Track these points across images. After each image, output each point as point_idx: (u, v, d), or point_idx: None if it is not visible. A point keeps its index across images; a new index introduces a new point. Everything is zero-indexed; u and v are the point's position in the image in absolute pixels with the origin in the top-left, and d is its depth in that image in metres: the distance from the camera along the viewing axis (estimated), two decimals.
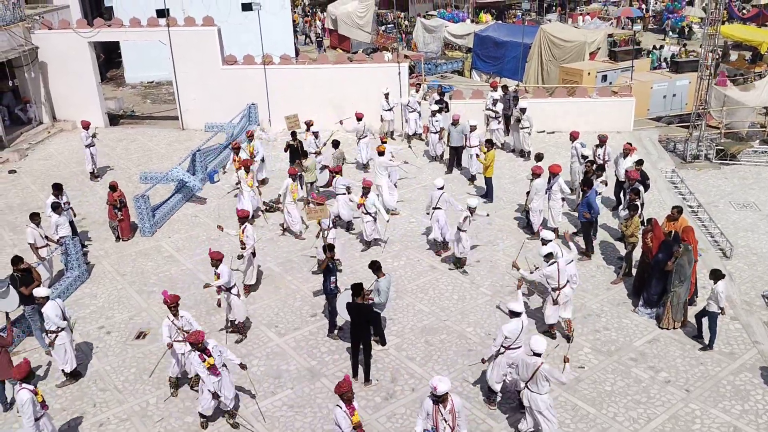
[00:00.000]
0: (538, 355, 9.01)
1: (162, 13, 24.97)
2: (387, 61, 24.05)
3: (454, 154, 19.39)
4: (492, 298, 13.29)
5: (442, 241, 14.85)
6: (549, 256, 11.40)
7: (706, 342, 11.56)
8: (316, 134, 18.80)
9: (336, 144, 18.25)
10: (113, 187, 15.93)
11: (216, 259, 11.76)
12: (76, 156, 21.05)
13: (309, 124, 19.10)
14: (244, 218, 13.34)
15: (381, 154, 16.79)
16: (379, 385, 10.92)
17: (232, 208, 16.82)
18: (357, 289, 10.70)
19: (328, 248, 12.09)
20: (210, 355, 9.52)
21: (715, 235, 15.18)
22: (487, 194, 17.61)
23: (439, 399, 8.18)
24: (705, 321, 11.54)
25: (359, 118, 19.58)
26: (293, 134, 18.58)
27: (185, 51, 22.92)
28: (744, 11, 39.33)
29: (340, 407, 8.42)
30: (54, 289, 13.21)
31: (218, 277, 11.69)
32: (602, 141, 16.90)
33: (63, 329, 10.93)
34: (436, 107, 20.55)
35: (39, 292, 11.10)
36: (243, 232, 13.15)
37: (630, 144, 16.72)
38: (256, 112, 23.13)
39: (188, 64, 23.05)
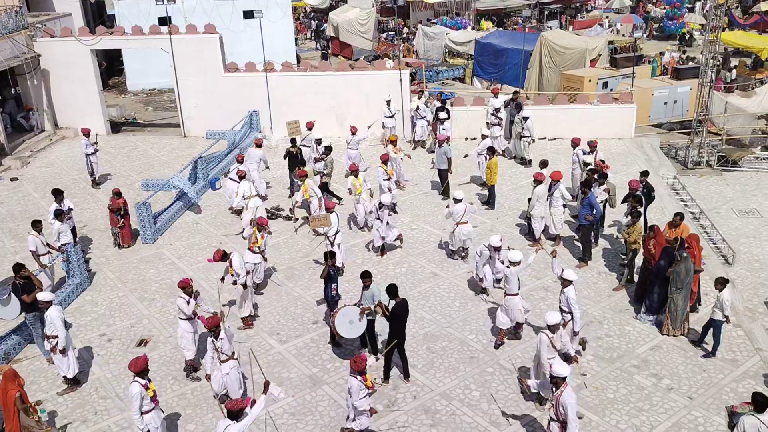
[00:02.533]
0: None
1: (164, 20, 25.15)
2: (388, 68, 24.11)
3: (442, 176, 18.49)
4: (494, 305, 13.25)
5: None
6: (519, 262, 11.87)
7: (709, 349, 11.52)
8: (318, 141, 18.81)
9: (328, 150, 18.27)
10: (117, 194, 15.97)
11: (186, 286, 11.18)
12: (78, 163, 21.09)
13: (309, 127, 19.20)
14: (224, 256, 12.33)
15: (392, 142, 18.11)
16: (380, 393, 10.89)
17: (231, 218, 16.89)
18: (393, 289, 10.74)
19: (329, 255, 12.08)
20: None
21: (717, 242, 15.16)
22: (490, 201, 17.61)
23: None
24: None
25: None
26: (293, 141, 18.60)
27: (187, 58, 22.99)
28: (746, 16, 39.42)
29: (356, 378, 9.22)
30: (55, 297, 13.18)
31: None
32: (592, 147, 16.89)
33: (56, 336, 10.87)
34: (444, 115, 20.61)
35: (43, 296, 11.12)
36: (230, 265, 12.24)
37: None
38: (257, 119, 23.17)
39: (190, 72, 23.11)
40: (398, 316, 10.72)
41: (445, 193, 18.25)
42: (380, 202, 14.86)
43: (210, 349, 10.22)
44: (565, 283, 11.00)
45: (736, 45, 30.37)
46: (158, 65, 26.43)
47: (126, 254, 15.94)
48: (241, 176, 16.40)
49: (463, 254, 15.04)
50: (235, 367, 10.35)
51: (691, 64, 29.02)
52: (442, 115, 20.79)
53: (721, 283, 11.20)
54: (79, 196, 19.13)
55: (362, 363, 9.23)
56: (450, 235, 15.00)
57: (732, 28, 35.30)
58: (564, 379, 8.67)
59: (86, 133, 19.39)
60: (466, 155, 19.46)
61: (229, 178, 17.24)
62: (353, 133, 19.31)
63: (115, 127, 25.53)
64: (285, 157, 18.63)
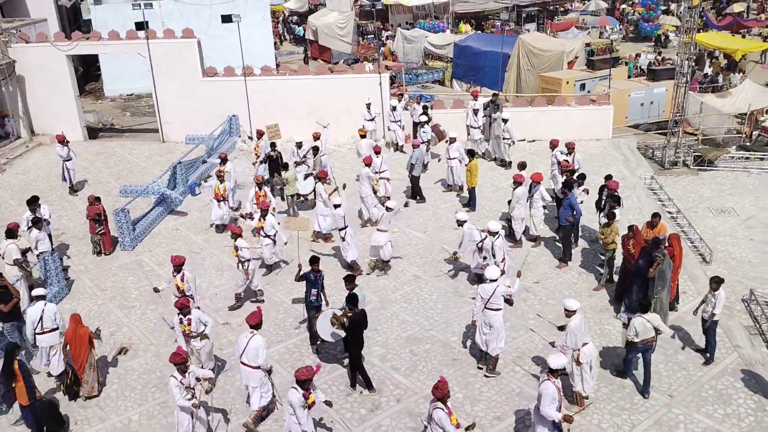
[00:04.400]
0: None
1: (141, 25, 24.92)
2: (368, 71, 24.12)
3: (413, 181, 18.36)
4: None
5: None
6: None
7: (708, 355, 11.48)
8: (299, 144, 18.78)
9: (316, 150, 18.28)
10: (94, 201, 15.79)
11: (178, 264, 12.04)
12: (55, 170, 20.82)
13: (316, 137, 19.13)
14: (179, 265, 12.07)
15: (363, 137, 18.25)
16: (364, 397, 10.88)
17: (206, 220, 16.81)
18: (353, 299, 10.74)
19: (312, 260, 12.04)
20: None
21: (695, 241, 15.37)
22: (471, 203, 17.69)
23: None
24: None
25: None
26: (272, 145, 18.54)
27: (165, 63, 22.82)
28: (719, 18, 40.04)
29: (297, 390, 8.96)
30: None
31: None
32: (570, 148, 17.05)
33: (56, 329, 11.24)
34: (425, 118, 20.67)
35: (38, 291, 11.56)
36: (182, 280, 12.06)
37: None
38: (237, 124, 23.07)
39: (168, 77, 22.94)
40: (356, 327, 10.68)
41: (413, 197, 18.23)
42: (387, 207, 14.56)
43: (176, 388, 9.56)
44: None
45: (711, 46, 30.84)
46: (136, 70, 26.20)
47: (105, 262, 15.77)
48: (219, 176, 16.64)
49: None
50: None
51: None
52: (423, 118, 20.85)
53: (716, 282, 11.24)
54: (57, 203, 18.90)
55: (307, 374, 8.91)
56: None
57: (706, 30, 35.88)
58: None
59: (61, 140, 19.17)
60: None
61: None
62: (316, 138, 19.10)
63: (93, 132, 25.25)
64: (264, 162, 18.56)
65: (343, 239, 14.51)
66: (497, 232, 13.08)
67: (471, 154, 17.72)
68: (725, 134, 22.41)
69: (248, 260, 13.28)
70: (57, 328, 11.27)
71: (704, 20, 37.12)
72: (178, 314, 10.87)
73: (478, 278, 13.64)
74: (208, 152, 20.91)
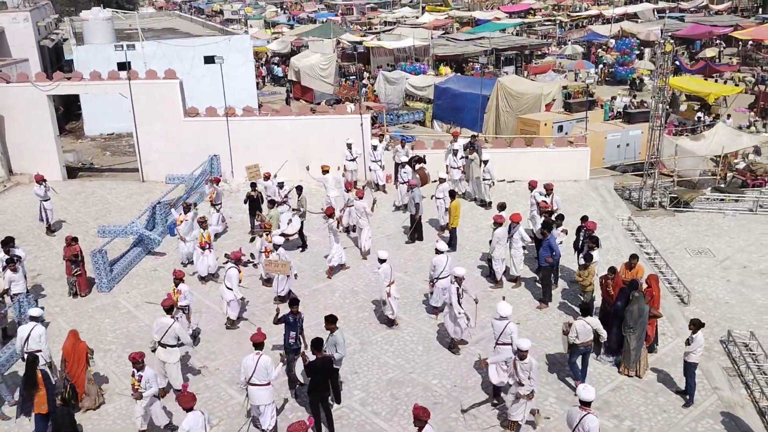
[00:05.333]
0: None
1: (123, 66, 25.04)
2: (350, 112, 24.37)
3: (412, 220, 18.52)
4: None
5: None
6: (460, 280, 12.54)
7: (687, 397, 11.50)
8: (280, 184, 18.81)
9: (299, 189, 18.32)
10: (71, 241, 15.63)
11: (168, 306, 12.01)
12: (33, 210, 20.58)
13: (267, 177, 19.19)
14: (170, 308, 12.07)
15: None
16: None
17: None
18: (317, 344, 10.57)
19: (292, 302, 11.96)
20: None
21: (673, 282, 15.51)
22: (452, 244, 17.74)
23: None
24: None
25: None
26: (253, 185, 18.54)
27: (146, 103, 22.88)
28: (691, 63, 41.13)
29: None
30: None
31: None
32: (549, 190, 17.27)
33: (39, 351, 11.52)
34: (404, 158, 20.81)
35: (33, 311, 12.05)
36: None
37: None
38: (218, 164, 23.09)
39: (149, 117, 22.98)
40: (316, 372, 10.53)
41: (411, 237, 18.36)
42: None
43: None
44: (522, 354, 10.54)
45: (684, 90, 31.63)
46: (117, 110, 26.17)
47: (81, 303, 15.52)
48: (201, 223, 16.41)
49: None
50: None
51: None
52: (404, 158, 21.02)
53: (695, 324, 11.33)
54: (33, 244, 18.66)
55: (300, 429, 8.67)
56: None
57: (680, 74, 36.83)
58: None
59: (39, 179, 19.03)
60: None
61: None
62: (266, 178, 19.42)
63: (72, 172, 25.09)
64: (245, 202, 18.54)
65: (388, 294, 13.88)
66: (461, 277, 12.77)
67: (452, 194, 17.88)
68: (700, 176, 22.81)
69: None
70: (40, 351, 11.51)
71: (677, 65, 38.13)
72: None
73: (433, 308, 14.43)
74: (188, 192, 20.83)
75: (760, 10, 71.29)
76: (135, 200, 22.08)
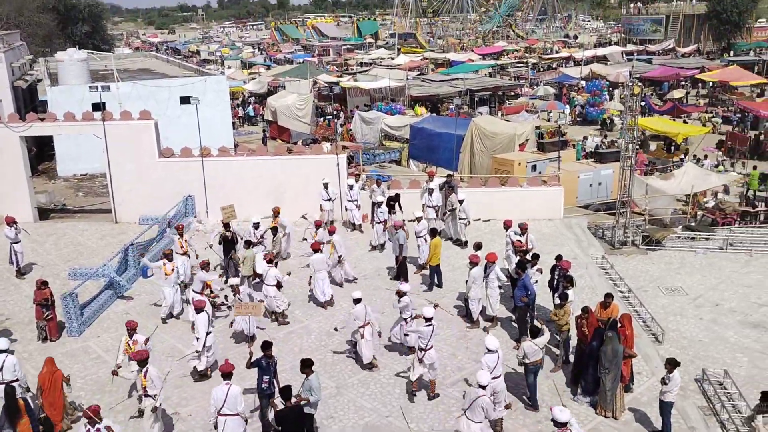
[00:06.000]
0: (483, 387, 10.46)
1: (98, 106, 24.93)
2: (326, 151, 24.49)
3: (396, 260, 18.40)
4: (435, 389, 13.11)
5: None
6: (429, 319, 12.49)
7: None
8: (256, 225, 18.71)
9: (274, 231, 18.25)
10: (42, 285, 15.33)
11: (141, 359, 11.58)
12: (2, 252, 20.19)
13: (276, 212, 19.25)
14: (143, 361, 11.53)
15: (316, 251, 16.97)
16: None
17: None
18: (286, 392, 10.40)
19: (265, 345, 11.78)
20: None
21: (647, 320, 15.61)
22: (439, 282, 17.67)
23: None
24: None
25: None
26: (226, 226, 18.42)
27: (121, 144, 22.75)
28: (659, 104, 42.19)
29: None
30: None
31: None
32: (523, 229, 17.42)
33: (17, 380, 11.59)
34: (380, 198, 20.86)
35: (1, 344, 11.87)
36: (145, 376, 11.45)
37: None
38: (193, 204, 22.95)
39: (123, 157, 22.83)
40: (286, 422, 10.33)
41: (397, 278, 18.29)
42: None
43: None
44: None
45: (653, 130, 32.38)
46: (91, 150, 25.99)
47: (50, 348, 15.12)
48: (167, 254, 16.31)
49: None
50: None
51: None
52: (380, 198, 21.07)
53: (671, 363, 11.40)
54: (2, 287, 18.27)
55: None
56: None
57: (649, 114, 37.76)
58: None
59: (10, 221, 18.72)
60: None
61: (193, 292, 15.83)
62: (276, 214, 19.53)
63: (44, 213, 24.71)
64: (219, 243, 18.39)
65: (362, 336, 13.71)
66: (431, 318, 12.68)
67: (433, 232, 17.91)
68: (672, 215, 23.21)
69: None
70: (17, 380, 11.57)
71: (646, 106, 39.12)
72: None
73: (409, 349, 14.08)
74: (161, 233, 20.60)
75: (725, 53, 73.79)
76: (107, 242, 21.78)
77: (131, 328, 12.87)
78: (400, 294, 13.91)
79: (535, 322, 12.98)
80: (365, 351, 13.73)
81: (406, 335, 13.99)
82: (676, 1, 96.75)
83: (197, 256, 17.85)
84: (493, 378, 11.23)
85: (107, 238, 22.23)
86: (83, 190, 29.05)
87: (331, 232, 17.99)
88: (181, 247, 17.79)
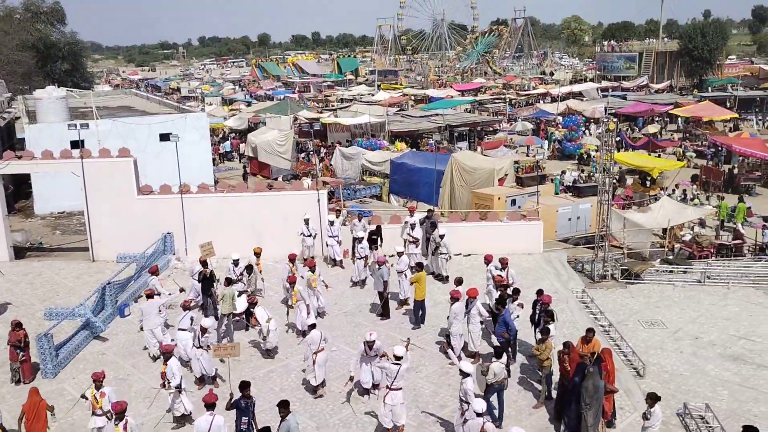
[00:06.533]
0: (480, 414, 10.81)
1: (76, 144, 24.80)
2: (306, 187, 24.51)
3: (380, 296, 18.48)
4: (417, 429, 12.96)
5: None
6: (399, 358, 12.50)
7: None
8: (236, 262, 18.57)
9: (249, 269, 18.10)
10: (16, 326, 15.03)
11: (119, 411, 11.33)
12: None
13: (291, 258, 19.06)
14: (120, 413, 11.38)
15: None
16: None
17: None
18: None
19: (243, 385, 11.60)
20: None
21: (628, 354, 15.63)
22: (423, 318, 17.57)
23: None
24: None
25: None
26: (204, 263, 18.25)
27: (99, 182, 22.59)
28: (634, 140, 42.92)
29: None
30: None
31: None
32: (504, 263, 17.47)
33: None
34: (361, 234, 20.85)
35: None
36: (124, 428, 11.33)
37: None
38: (171, 242, 22.76)
39: (102, 195, 22.65)
40: None
41: (383, 314, 18.19)
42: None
43: None
44: (463, 374, 11.74)
45: (629, 165, 32.86)
46: (68, 188, 25.74)
47: (23, 391, 14.65)
48: (149, 295, 16.12)
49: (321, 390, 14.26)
50: None
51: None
52: (361, 234, 21.08)
53: (652, 398, 11.38)
54: None
55: None
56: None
57: (625, 149, 38.35)
58: None
59: None
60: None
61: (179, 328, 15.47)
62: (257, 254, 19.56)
63: (20, 252, 24.35)
64: (198, 280, 18.19)
65: (314, 362, 13.97)
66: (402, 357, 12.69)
67: (419, 266, 17.87)
68: (651, 248, 23.43)
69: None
70: None
71: (622, 141, 39.78)
72: None
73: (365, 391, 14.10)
74: (138, 271, 20.35)
75: (696, 89, 75.66)
76: (84, 281, 21.46)
77: (97, 380, 12.29)
78: (370, 345, 13.67)
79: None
80: (317, 373, 13.94)
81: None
82: (649, 39, 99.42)
83: (182, 290, 17.78)
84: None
85: (84, 276, 21.92)
86: (60, 228, 28.70)
87: (310, 267, 17.96)
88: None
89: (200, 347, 14.44)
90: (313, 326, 14.04)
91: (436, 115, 50.97)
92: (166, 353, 13.16)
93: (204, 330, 14.36)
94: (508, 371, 14.62)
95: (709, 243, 23.52)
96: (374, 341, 13.54)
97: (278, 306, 18.53)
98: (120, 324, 18.16)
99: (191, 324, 14.97)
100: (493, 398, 12.84)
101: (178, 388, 12.85)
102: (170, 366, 12.92)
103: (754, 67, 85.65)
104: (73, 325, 17.31)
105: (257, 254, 19.52)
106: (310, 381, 14.14)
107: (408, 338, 13.74)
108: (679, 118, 52.96)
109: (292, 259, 18.92)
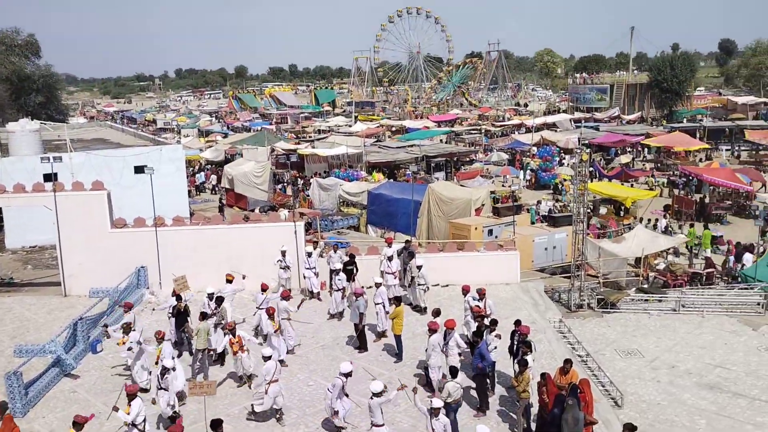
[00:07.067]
0: None
1: (49, 177, 24.53)
2: (283, 219, 24.40)
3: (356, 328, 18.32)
4: None
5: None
6: (376, 394, 12.41)
7: None
8: (210, 296, 18.30)
9: (219, 301, 17.84)
10: None
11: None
12: None
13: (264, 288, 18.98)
14: (132, 395, 12.16)
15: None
16: None
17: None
18: None
19: (214, 424, 11.36)
20: None
21: (606, 384, 15.65)
22: (398, 353, 17.41)
23: None
24: None
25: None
26: (178, 297, 17.98)
27: (72, 215, 22.28)
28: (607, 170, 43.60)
29: None
30: None
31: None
32: (482, 294, 17.49)
33: None
34: (338, 266, 20.76)
35: None
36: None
37: None
38: (145, 276, 22.44)
39: (75, 229, 22.33)
40: None
41: (360, 347, 18.01)
42: None
43: None
44: (435, 411, 11.88)
45: (603, 194, 33.31)
46: (41, 221, 25.36)
47: None
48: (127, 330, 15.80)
49: (277, 416, 14.36)
50: None
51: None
52: (338, 265, 20.99)
53: (629, 429, 11.37)
54: None
55: None
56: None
57: (599, 179, 38.93)
58: None
59: None
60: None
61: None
62: (229, 281, 19.32)
63: None
64: (172, 315, 17.91)
65: (266, 392, 13.97)
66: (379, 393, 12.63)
67: (398, 300, 17.77)
68: (627, 277, 23.65)
69: None
70: None
71: (595, 171, 40.36)
72: None
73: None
74: (111, 306, 20.00)
75: (665, 120, 77.36)
76: (56, 316, 21.03)
77: (79, 423, 11.72)
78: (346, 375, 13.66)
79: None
80: (265, 401, 13.95)
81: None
82: (620, 71, 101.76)
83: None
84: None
85: (55, 312, 21.48)
86: (32, 263, 28.20)
87: (284, 297, 17.84)
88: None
89: (161, 388, 14.03)
90: (268, 357, 13.96)
91: (413, 145, 51.38)
92: (130, 394, 12.70)
93: (164, 371, 13.96)
94: (485, 404, 14.62)
95: (682, 271, 23.82)
96: (350, 372, 13.55)
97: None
98: (92, 360, 17.76)
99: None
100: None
101: (131, 424, 12.49)
102: (133, 407, 12.53)
103: (722, 99, 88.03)
104: (43, 362, 16.90)
105: (229, 281, 19.32)
106: (255, 407, 14.11)
107: (403, 384, 13.50)
108: (646, 148, 54.02)
109: (264, 289, 18.85)
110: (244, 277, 19.55)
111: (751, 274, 22.19)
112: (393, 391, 12.72)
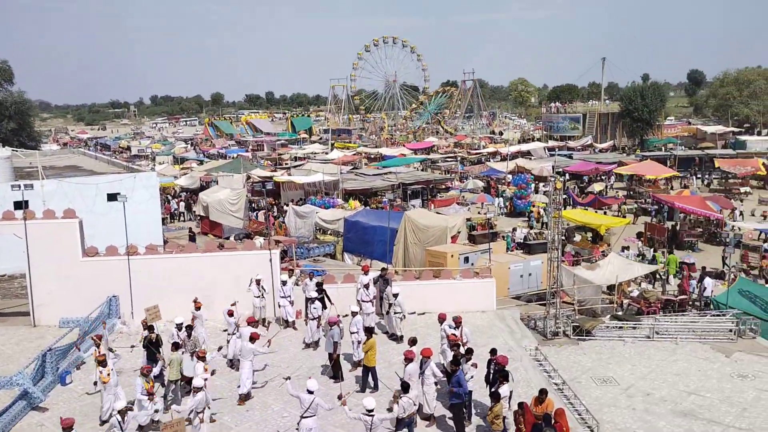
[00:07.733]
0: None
1: (20, 205, 24.12)
2: (258, 246, 24.21)
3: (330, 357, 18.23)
4: None
5: None
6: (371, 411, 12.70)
7: None
8: (179, 326, 17.97)
9: (189, 329, 17.54)
10: None
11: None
12: None
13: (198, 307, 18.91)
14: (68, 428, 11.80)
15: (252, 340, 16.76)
16: None
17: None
18: None
19: None
20: None
21: (582, 413, 15.62)
22: (374, 385, 17.15)
23: None
24: None
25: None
26: (150, 327, 17.65)
27: (42, 243, 21.87)
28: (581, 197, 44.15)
29: None
30: None
31: None
32: (458, 322, 17.46)
33: None
34: (314, 294, 20.60)
35: None
36: None
37: None
38: (117, 305, 22.02)
39: (45, 257, 21.89)
40: None
41: (335, 376, 17.78)
42: None
43: None
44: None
45: (577, 222, 33.67)
46: (10, 249, 24.82)
47: None
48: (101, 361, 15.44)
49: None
50: None
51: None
52: (314, 294, 20.83)
53: None
54: None
55: None
56: None
57: (573, 207, 39.37)
58: None
59: None
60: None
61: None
62: (197, 309, 19.29)
63: None
64: (144, 346, 17.55)
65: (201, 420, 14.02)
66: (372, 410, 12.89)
67: (369, 331, 17.61)
68: (602, 304, 23.81)
69: None
70: None
71: (569, 198, 40.85)
72: None
73: None
74: (81, 336, 19.57)
75: (638, 149, 78.84)
76: (24, 347, 20.49)
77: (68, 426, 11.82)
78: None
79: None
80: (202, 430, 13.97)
81: None
82: (592, 100, 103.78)
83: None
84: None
85: (24, 343, 20.95)
86: (1, 292, 27.54)
87: (250, 323, 17.78)
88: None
89: None
90: (199, 389, 13.90)
91: (389, 173, 51.61)
92: (65, 428, 12.44)
93: (124, 409, 13.60)
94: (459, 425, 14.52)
95: (656, 299, 24.04)
96: (313, 391, 13.65)
97: (221, 363, 18.10)
98: (61, 392, 17.30)
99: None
100: None
101: None
102: None
103: (692, 128, 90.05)
104: (10, 395, 16.43)
105: (198, 308, 19.09)
106: None
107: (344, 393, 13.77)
108: (616, 176, 54.91)
109: (230, 314, 18.82)
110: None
111: (723, 301, 22.47)
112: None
